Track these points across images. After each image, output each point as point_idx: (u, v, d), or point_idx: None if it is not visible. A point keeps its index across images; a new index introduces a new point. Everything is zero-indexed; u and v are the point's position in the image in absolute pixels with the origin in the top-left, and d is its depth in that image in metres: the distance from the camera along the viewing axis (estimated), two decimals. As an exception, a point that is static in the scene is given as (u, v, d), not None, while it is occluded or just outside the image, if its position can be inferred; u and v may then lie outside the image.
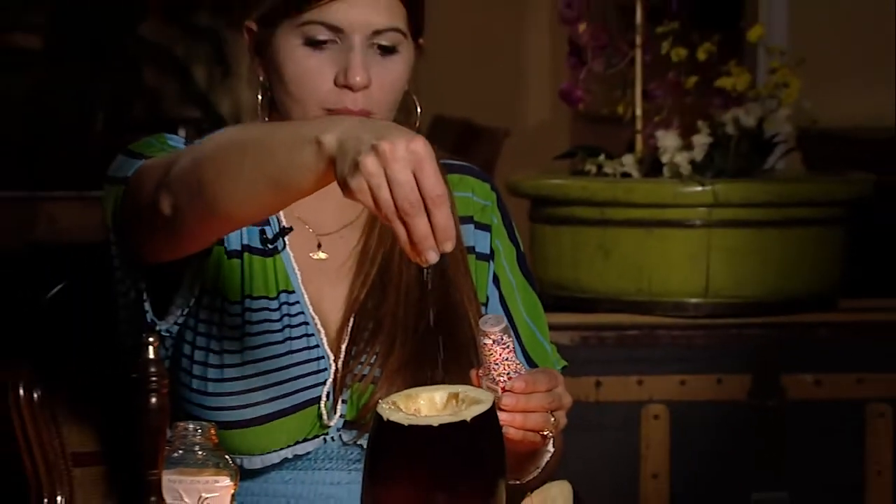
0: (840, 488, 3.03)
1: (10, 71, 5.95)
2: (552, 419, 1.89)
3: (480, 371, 1.87)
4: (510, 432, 1.84)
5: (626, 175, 3.10)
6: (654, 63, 3.13)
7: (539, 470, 2.03)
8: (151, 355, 1.66)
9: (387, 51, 2.02)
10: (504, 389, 1.86)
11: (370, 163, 1.62)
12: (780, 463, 3.02)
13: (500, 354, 1.86)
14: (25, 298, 2.36)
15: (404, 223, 1.63)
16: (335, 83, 2.00)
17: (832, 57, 4.12)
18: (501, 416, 1.83)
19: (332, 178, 1.70)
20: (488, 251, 2.13)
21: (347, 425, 2.03)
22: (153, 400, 1.66)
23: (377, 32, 2.01)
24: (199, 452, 1.76)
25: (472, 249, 2.12)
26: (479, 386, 1.87)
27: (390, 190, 1.63)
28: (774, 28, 4.11)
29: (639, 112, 3.15)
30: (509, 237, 2.17)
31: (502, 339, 1.85)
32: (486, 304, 2.13)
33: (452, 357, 2.00)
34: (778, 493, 3.02)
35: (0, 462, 2.25)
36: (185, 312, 2.01)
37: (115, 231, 1.98)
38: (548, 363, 2.13)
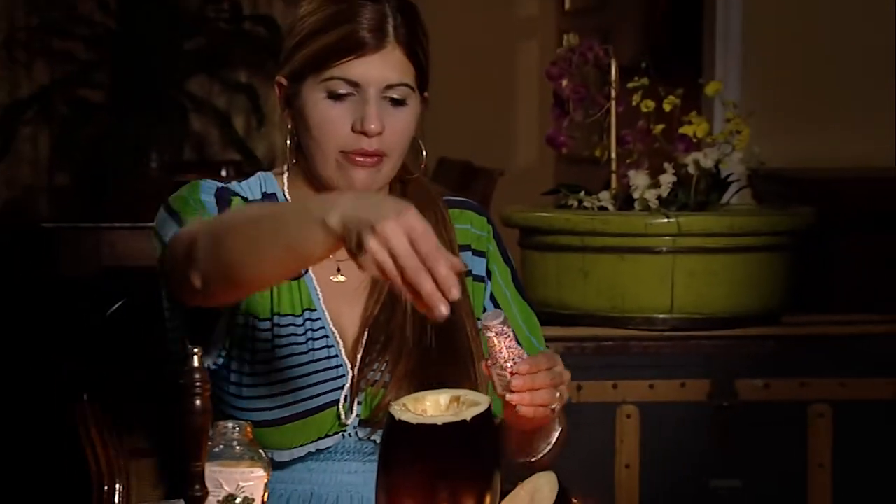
0: (786, 477, 3.02)
1: (80, 121, 5.94)
2: (557, 394, 1.87)
3: (489, 362, 1.86)
4: (522, 410, 1.83)
5: (602, 208, 3.09)
6: (626, 113, 3.12)
7: (550, 446, 2.03)
8: (196, 364, 1.66)
9: (397, 102, 2.02)
10: (512, 373, 1.85)
11: (373, 244, 1.62)
12: (734, 455, 3.00)
13: (504, 343, 1.86)
14: (92, 313, 2.35)
15: (413, 286, 1.63)
16: (353, 129, 2.00)
17: (777, 109, 4.11)
18: (512, 397, 1.83)
19: (342, 247, 1.69)
20: (484, 273, 2.13)
21: (362, 423, 2.03)
22: (197, 402, 1.65)
23: (390, 87, 2.01)
24: (237, 447, 1.75)
25: (469, 273, 2.11)
26: (490, 375, 1.86)
27: (394, 260, 1.62)
28: (729, 84, 4.10)
29: (613, 155, 3.14)
30: (504, 260, 2.17)
31: (503, 329, 1.85)
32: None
33: (452, 364, 2.01)
34: (732, 480, 3.00)
35: (68, 456, 2.25)
36: (222, 353, 2.01)
37: (161, 276, 1.98)
38: None
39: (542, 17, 6.57)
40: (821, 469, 3.00)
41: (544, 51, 6.41)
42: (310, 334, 2.03)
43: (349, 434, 2.04)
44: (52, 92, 6.01)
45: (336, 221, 1.67)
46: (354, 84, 2.00)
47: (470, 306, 2.07)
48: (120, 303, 2.24)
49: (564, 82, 3.10)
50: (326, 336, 2.04)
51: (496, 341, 1.86)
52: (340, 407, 2.02)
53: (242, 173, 2.10)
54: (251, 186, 2.11)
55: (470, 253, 2.12)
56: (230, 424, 1.77)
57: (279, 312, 2.03)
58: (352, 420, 2.03)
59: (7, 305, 5.27)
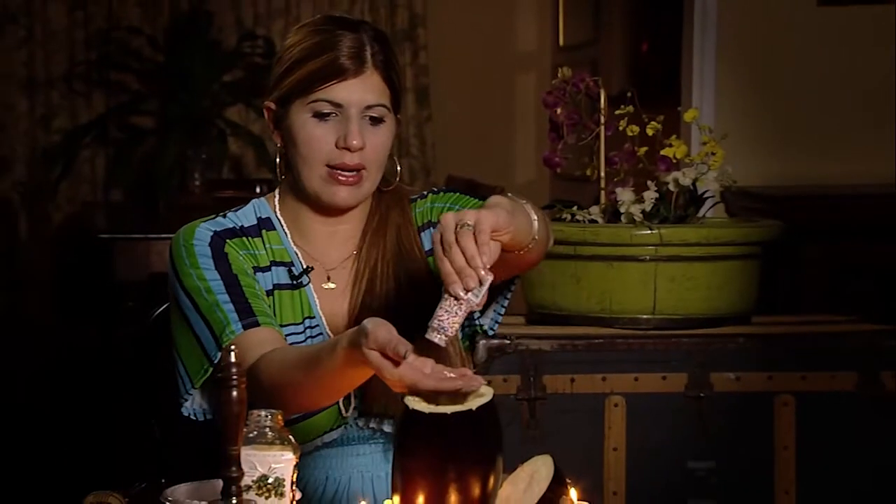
0: (754, 458, 3.00)
1: (132, 144, 5.95)
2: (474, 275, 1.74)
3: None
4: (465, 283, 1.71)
5: (593, 221, 3.06)
6: (613, 137, 3.11)
7: (535, 239, 1.95)
8: (233, 359, 1.64)
9: (376, 121, 2.03)
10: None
11: (373, 356, 1.68)
12: (708, 439, 2.98)
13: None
14: (141, 313, 2.36)
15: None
16: (336, 145, 2.00)
17: (747, 134, 4.10)
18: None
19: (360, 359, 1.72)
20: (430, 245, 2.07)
21: (361, 415, 2.01)
22: (234, 393, 1.65)
23: (369, 107, 2.02)
24: (269, 433, 1.75)
25: (429, 252, 2.09)
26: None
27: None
28: (704, 111, 4.09)
29: (602, 174, 3.12)
30: (449, 191, 2.14)
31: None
32: None
33: (434, 349, 1.96)
34: (707, 461, 2.98)
35: (133, 436, 2.24)
36: None
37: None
38: None
39: (538, 52, 6.57)
40: (785, 451, 2.99)
41: (541, 82, 6.42)
42: (309, 341, 2.02)
43: (350, 425, 2.03)
44: (107, 119, 6.02)
45: (345, 344, 1.73)
46: (337, 105, 2.00)
47: (429, 272, 2.06)
48: (166, 305, 2.24)
49: (559, 110, 3.09)
50: (321, 332, 2.03)
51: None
52: (340, 404, 2.00)
53: (274, 188, 2.10)
54: (246, 214, 2.10)
55: (431, 229, 2.10)
56: (263, 413, 1.76)
57: (281, 323, 2.02)
58: (350, 413, 2.02)
59: (69, 305, 5.29)
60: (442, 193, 2.15)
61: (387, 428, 2.04)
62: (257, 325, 1.94)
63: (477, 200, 2.12)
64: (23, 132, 6.12)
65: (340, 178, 2.00)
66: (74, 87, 6.11)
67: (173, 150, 5.62)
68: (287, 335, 2.02)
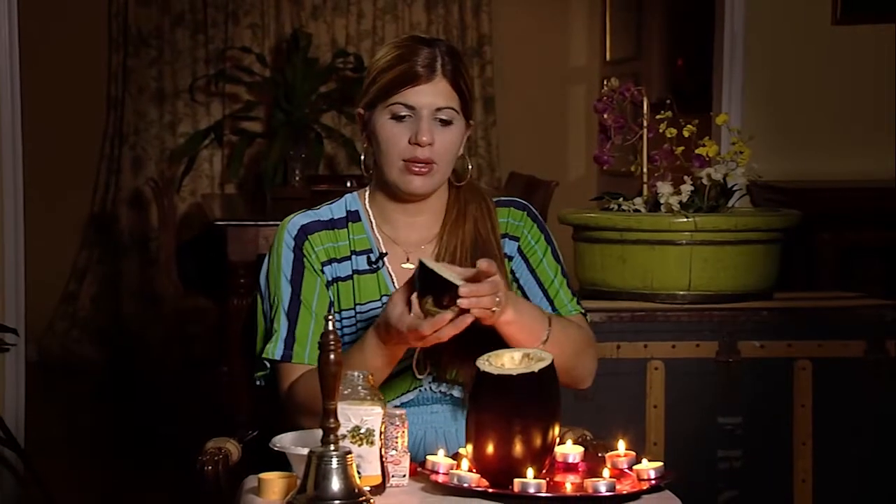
0: (775, 416, 2.97)
1: (243, 146, 5.98)
2: (497, 299, 1.82)
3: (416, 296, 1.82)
4: (473, 312, 1.79)
5: (636, 211, 3.04)
6: (654, 138, 3.07)
7: (544, 343, 1.92)
8: (330, 328, 1.64)
9: (445, 122, 2.00)
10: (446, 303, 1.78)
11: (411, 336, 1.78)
12: (736, 398, 2.95)
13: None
14: (251, 288, 2.35)
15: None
16: (409, 142, 1.97)
17: (771, 135, 4.05)
18: (462, 302, 1.78)
19: (398, 343, 1.84)
20: (513, 253, 2.08)
21: (435, 380, 2.00)
22: (331, 356, 1.64)
23: (438, 109, 1.99)
24: (361, 391, 1.75)
25: (507, 256, 2.07)
26: (421, 306, 1.80)
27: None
28: (733, 116, 4.03)
29: (645, 170, 3.09)
30: (541, 231, 2.10)
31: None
32: (517, 283, 2.07)
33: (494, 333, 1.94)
34: (735, 417, 2.95)
35: (245, 398, 2.24)
36: None
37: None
38: (563, 308, 2.07)
39: (588, 66, 6.52)
40: (802, 409, 2.95)
41: (590, 91, 6.37)
42: None
43: (425, 388, 2.01)
44: (223, 124, 6.05)
45: (380, 331, 1.82)
46: (411, 107, 1.98)
47: (503, 265, 2.04)
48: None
49: (607, 115, 3.06)
50: None
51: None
52: (414, 367, 1.99)
53: (363, 185, 2.08)
54: (339, 206, 2.10)
55: (507, 238, 2.08)
56: (356, 373, 1.76)
57: (360, 302, 2.01)
58: (425, 377, 2.00)
59: (191, 281, 5.32)
60: (534, 225, 2.10)
61: (456, 393, 2.01)
62: (290, 360, 1.97)
63: (541, 234, 2.09)
64: (153, 136, 6.17)
65: (414, 169, 1.98)
66: (196, 98, 6.15)
67: (278, 150, 5.64)
68: (368, 310, 2.02)
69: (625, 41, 6.18)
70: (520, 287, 2.06)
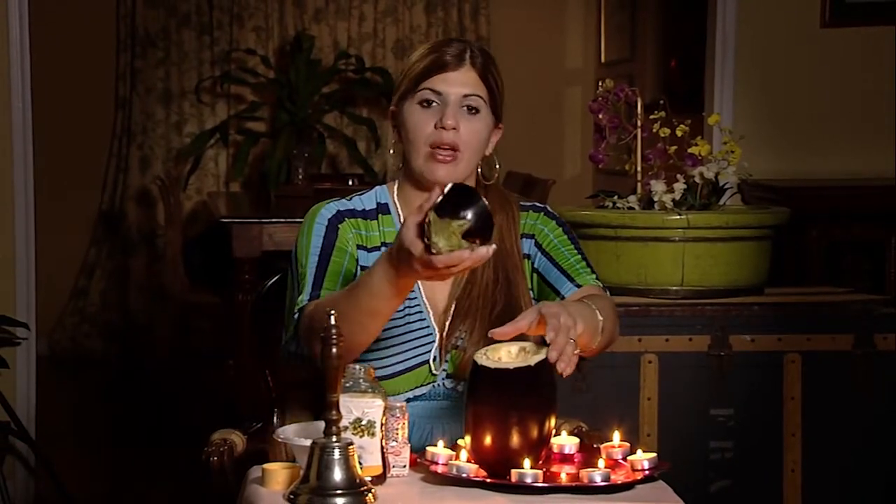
0: (766, 408, 2.97)
1: (248, 145, 5.97)
2: (570, 332, 1.77)
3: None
4: (560, 365, 1.74)
5: (630, 208, 3.04)
6: (648, 138, 3.07)
7: (597, 343, 1.91)
8: (332, 322, 1.64)
9: (472, 110, 2.00)
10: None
11: (417, 264, 1.71)
12: (727, 391, 2.95)
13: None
14: (255, 284, 2.34)
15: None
16: (435, 126, 1.97)
17: (761, 135, 4.05)
18: (552, 356, 1.73)
19: (407, 274, 1.74)
20: (528, 252, 2.07)
21: (449, 377, 1.99)
22: (334, 350, 1.64)
23: (465, 96, 1.99)
24: (362, 384, 1.75)
25: (525, 255, 2.07)
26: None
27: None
28: (725, 116, 4.03)
29: (639, 168, 3.09)
30: (559, 224, 2.09)
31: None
32: (537, 273, 2.06)
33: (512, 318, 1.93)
34: (727, 409, 2.95)
35: (250, 391, 2.24)
36: None
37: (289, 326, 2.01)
38: (582, 278, 2.04)
39: (583, 68, 6.52)
40: (792, 401, 2.95)
41: (585, 92, 6.38)
42: (407, 309, 2.00)
43: (438, 384, 2.00)
44: (228, 124, 6.05)
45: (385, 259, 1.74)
46: (439, 94, 1.98)
47: (526, 284, 2.03)
48: (276, 277, 2.23)
49: (602, 115, 3.05)
50: (420, 310, 2.00)
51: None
52: (431, 363, 1.98)
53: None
54: (369, 198, 2.08)
55: (524, 238, 2.07)
56: (357, 367, 1.76)
57: None
58: (440, 373, 1.99)
59: (197, 276, 5.32)
60: (551, 220, 2.10)
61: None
62: (319, 297, 1.93)
63: (558, 227, 2.08)
64: (160, 136, 6.17)
65: (439, 156, 1.97)
66: (202, 99, 6.15)
67: (281, 150, 5.64)
68: None
69: (619, 44, 6.18)
70: (539, 275, 2.05)
